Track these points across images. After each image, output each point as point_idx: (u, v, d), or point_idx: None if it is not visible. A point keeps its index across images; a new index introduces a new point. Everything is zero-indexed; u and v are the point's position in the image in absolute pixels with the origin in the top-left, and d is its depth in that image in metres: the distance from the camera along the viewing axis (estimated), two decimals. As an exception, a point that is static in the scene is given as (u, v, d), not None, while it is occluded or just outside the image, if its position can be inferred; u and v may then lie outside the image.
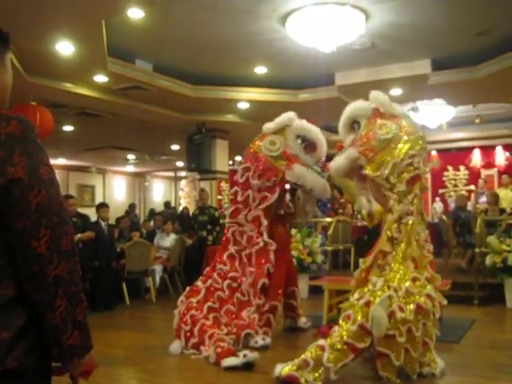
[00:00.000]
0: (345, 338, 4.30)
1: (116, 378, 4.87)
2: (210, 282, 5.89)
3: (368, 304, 4.33)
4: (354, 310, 4.39)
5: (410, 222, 4.69)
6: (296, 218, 6.76)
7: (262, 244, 5.79)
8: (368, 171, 4.88)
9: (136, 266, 9.15)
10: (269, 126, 6.19)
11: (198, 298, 5.76)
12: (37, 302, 1.46)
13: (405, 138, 4.86)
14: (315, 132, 6.03)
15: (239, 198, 6.03)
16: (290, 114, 6.15)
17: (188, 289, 6.00)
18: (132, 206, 17.71)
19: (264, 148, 5.96)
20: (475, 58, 8.82)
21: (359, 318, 4.31)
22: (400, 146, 4.83)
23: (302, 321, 6.60)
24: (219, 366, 4.90)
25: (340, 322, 4.48)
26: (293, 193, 6.43)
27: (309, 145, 5.98)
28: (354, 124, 5.29)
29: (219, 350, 5.05)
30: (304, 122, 6.12)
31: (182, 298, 5.87)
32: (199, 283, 5.94)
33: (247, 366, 4.80)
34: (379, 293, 4.36)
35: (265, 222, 5.84)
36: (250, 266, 5.79)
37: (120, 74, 8.59)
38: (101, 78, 8.76)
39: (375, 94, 5.27)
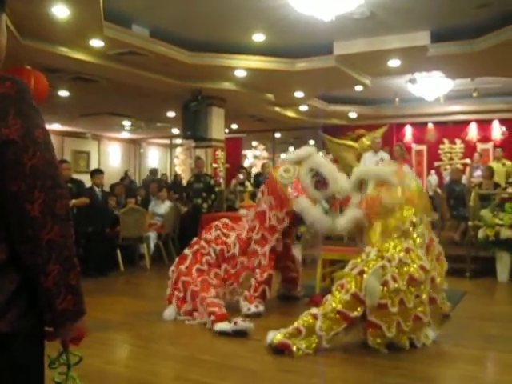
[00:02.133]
0: (337, 306, 4.34)
1: (109, 343, 4.92)
2: (196, 247, 5.99)
3: (361, 273, 4.36)
4: (348, 280, 4.43)
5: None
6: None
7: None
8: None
9: (130, 232, 9.17)
10: (290, 155, 6.37)
11: (186, 263, 5.84)
12: (30, 265, 1.45)
13: (408, 206, 5.07)
14: (329, 169, 5.99)
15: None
16: (310, 149, 6.20)
17: (178, 258, 6.09)
18: (126, 173, 17.68)
19: (279, 175, 6.03)
20: (475, 31, 8.74)
21: (352, 287, 4.35)
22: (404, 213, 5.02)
23: (298, 290, 6.71)
24: (212, 332, 4.96)
25: (333, 291, 4.52)
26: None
27: (321, 180, 5.96)
28: (361, 183, 5.52)
29: (213, 317, 5.11)
30: (321, 158, 6.18)
31: (172, 267, 5.95)
32: (186, 250, 6.06)
33: (238, 334, 4.86)
34: (373, 262, 4.39)
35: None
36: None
37: (116, 39, 8.47)
38: (97, 43, 8.64)
39: (384, 167, 5.73)
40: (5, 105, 1.43)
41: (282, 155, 23.49)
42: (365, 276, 4.30)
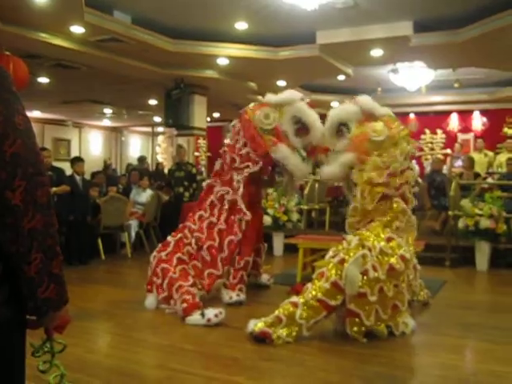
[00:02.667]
0: (318, 295, 4.36)
1: (90, 332, 4.89)
2: (179, 235, 5.97)
3: (342, 262, 4.38)
4: (328, 268, 4.44)
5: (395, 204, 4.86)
6: (272, 186, 6.80)
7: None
8: (366, 175, 4.98)
9: (112, 220, 9.12)
10: (272, 97, 6.10)
11: (167, 250, 5.82)
12: (12, 254, 1.43)
13: (394, 140, 5.03)
14: (313, 117, 5.90)
15: (226, 160, 6.10)
16: (294, 93, 6.10)
17: (160, 244, 6.06)
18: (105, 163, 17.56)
19: (258, 119, 5.90)
20: (457, 22, 8.77)
21: (332, 275, 4.37)
22: (392, 149, 4.98)
23: (265, 278, 6.67)
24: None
25: (313, 279, 4.54)
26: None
27: (303, 128, 5.90)
28: (340, 127, 5.37)
29: (185, 304, 5.12)
30: (304, 105, 6.02)
31: (154, 253, 5.92)
32: (169, 238, 6.03)
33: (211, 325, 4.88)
34: (354, 251, 4.41)
35: (241, 189, 5.87)
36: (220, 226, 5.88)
37: (97, 26, 8.37)
38: (77, 29, 8.54)
39: (363, 98, 5.39)
40: None
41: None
42: (345, 264, 4.32)
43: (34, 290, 1.46)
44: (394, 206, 4.93)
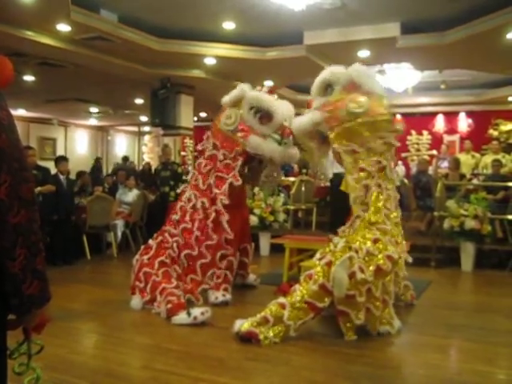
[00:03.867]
0: (305, 297, 4.37)
1: (74, 332, 4.86)
2: (160, 238, 5.95)
3: (329, 264, 4.39)
4: (316, 270, 4.45)
5: (375, 193, 4.78)
6: (255, 183, 6.76)
7: (214, 215, 5.81)
8: (333, 141, 4.90)
9: (97, 220, 9.08)
10: (225, 99, 6.12)
11: (149, 254, 5.80)
12: None
13: (372, 120, 4.90)
14: (269, 101, 5.88)
15: (202, 170, 6.07)
16: (243, 86, 6.06)
17: (142, 248, 6.03)
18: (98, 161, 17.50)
19: (223, 123, 5.96)
20: (444, 24, 8.83)
21: (320, 277, 4.37)
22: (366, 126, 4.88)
23: (252, 278, 6.68)
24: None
25: (301, 281, 4.54)
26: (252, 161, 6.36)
27: (264, 115, 5.87)
28: (327, 87, 5.25)
29: (169, 305, 5.11)
30: (256, 93, 6.00)
31: (136, 257, 5.89)
32: (151, 241, 6.00)
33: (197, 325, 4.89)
34: (340, 253, 4.41)
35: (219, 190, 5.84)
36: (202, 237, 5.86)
37: (83, 24, 8.32)
38: (63, 27, 8.48)
39: (358, 66, 5.21)
40: None
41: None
42: (333, 267, 4.33)
43: (18, 287, 1.45)
44: (373, 197, 4.88)
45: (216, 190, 5.78)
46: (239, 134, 5.84)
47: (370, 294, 4.38)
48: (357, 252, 4.43)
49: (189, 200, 6.02)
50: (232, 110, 5.94)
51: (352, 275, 4.31)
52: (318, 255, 4.62)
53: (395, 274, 4.79)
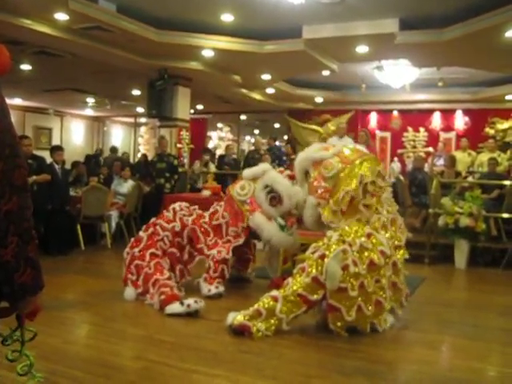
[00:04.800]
0: (298, 290, 4.38)
1: (68, 323, 4.86)
2: (151, 230, 5.95)
3: (322, 257, 4.40)
4: (309, 263, 4.46)
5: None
6: None
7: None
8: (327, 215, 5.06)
9: (92, 211, 9.05)
10: (246, 172, 6.30)
11: (140, 246, 5.80)
12: None
13: (349, 167, 5.10)
14: (284, 185, 5.97)
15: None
16: (266, 166, 6.31)
17: (132, 240, 6.03)
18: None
19: (236, 192, 6.06)
20: (442, 21, 8.81)
21: (313, 270, 4.39)
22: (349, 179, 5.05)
23: (248, 272, 6.72)
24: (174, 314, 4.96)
25: (294, 274, 4.55)
26: None
27: (276, 197, 5.96)
28: (306, 173, 5.52)
29: (163, 296, 5.13)
30: (275, 174, 6.13)
31: (127, 249, 5.90)
32: (141, 233, 6.01)
33: (191, 314, 4.90)
34: (334, 246, 4.43)
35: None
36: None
37: (82, 13, 8.27)
38: (61, 16, 8.43)
39: (309, 150, 5.58)
40: None
41: (247, 137, 23.47)
42: (326, 260, 4.34)
43: (11, 275, 1.44)
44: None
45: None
46: (247, 207, 5.93)
47: (363, 289, 4.38)
48: (350, 246, 4.45)
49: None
50: (247, 182, 6.08)
51: (345, 268, 4.33)
52: (311, 249, 4.64)
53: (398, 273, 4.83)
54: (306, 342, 4.34)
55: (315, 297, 4.39)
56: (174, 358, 3.87)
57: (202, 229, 6.00)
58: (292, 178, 6.13)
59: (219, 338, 4.33)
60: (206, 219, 6.10)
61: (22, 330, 1.62)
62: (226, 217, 6.02)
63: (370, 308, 4.45)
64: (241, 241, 5.96)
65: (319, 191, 5.17)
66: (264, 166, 6.27)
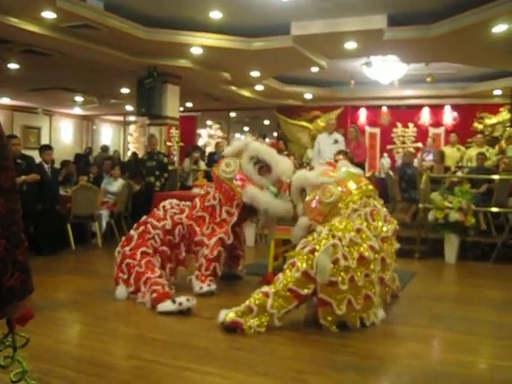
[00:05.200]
0: (289, 284, 4.39)
1: (60, 322, 4.85)
2: (142, 228, 5.93)
3: (313, 252, 4.42)
4: (299, 258, 4.48)
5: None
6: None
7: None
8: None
9: (82, 210, 9.02)
10: (227, 150, 6.32)
11: (131, 245, 5.79)
12: None
13: (348, 198, 5.27)
14: (269, 153, 6.03)
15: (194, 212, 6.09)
16: (247, 139, 6.33)
17: (123, 239, 6.01)
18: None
19: (221, 171, 6.04)
20: (431, 16, 8.85)
21: (303, 265, 4.41)
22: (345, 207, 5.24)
23: (238, 268, 6.71)
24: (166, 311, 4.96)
25: (285, 269, 4.57)
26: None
27: (263, 166, 6.01)
28: (302, 191, 5.70)
29: (154, 295, 5.13)
30: (258, 144, 6.18)
31: (118, 248, 5.88)
32: (132, 232, 5.99)
33: (183, 313, 4.90)
34: (324, 241, 4.45)
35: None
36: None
37: (69, 11, 8.24)
38: (49, 15, 8.40)
39: (301, 176, 5.80)
40: None
41: (237, 135, 23.45)
42: (316, 254, 4.36)
43: None
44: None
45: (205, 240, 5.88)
46: (237, 183, 5.92)
47: (353, 283, 4.40)
48: (340, 240, 4.47)
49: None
50: (232, 159, 6.06)
51: (335, 262, 4.35)
52: (301, 244, 4.66)
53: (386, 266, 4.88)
54: (297, 338, 4.36)
55: (306, 291, 4.40)
56: (167, 356, 3.87)
57: (198, 221, 5.97)
58: (274, 146, 6.20)
59: (211, 336, 4.34)
60: (198, 206, 6.08)
61: (13, 336, 1.60)
62: (217, 198, 5.99)
63: (359, 302, 4.47)
64: (235, 218, 5.93)
65: (312, 214, 5.33)
66: (245, 140, 6.30)
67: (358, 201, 5.25)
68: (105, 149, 16.83)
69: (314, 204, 5.38)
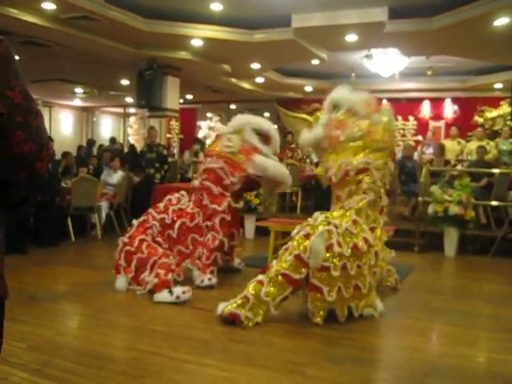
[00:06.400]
0: (281, 269, 4.40)
1: (60, 314, 4.86)
2: (143, 218, 5.97)
3: (307, 236, 4.44)
4: (293, 242, 4.49)
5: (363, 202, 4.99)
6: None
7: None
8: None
9: (82, 202, 9.02)
10: (228, 127, 6.39)
11: (130, 232, 5.82)
12: None
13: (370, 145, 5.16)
14: (269, 125, 6.35)
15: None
16: (246, 116, 6.48)
17: (129, 228, 6.03)
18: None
19: (223, 147, 6.10)
20: (431, 9, 8.82)
21: (296, 248, 4.42)
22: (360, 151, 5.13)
23: (236, 262, 6.72)
24: (164, 302, 4.99)
25: (279, 255, 4.58)
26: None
27: (263, 138, 6.21)
28: (335, 107, 5.54)
29: (156, 280, 5.20)
30: (259, 118, 6.43)
31: (121, 237, 5.89)
32: (134, 221, 6.02)
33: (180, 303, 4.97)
34: (319, 227, 4.45)
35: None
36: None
37: (69, 2, 8.21)
38: (49, 6, 8.37)
39: (363, 96, 5.69)
40: (3, 65, 1.42)
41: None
42: (311, 237, 4.37)
43: None
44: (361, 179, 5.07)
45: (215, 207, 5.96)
46: (242, 156, 6.00)
47: (345, 271, 4.40)
48: (336, 227, 4.47)
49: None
50: (231, 135, 6.17)
51: (329, 247, 4.36)
52: (296, 230, 4.65)
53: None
54: (295, 331, 4.36)
55: (299, 276, 4.39)
56: (166, 347, 3.89)
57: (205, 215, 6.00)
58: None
59: (210, 328, 4.35)
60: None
61: None
62: (223, 166, 6.06)
63: (349, 291, 4.47)
64: (237, 186, 6.05)
65: (330, 133, 5.27)
66: (243, 116, 6.45)
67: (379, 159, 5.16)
68: (112, 141, 16.80)
69: (336, 127, 5.29)
